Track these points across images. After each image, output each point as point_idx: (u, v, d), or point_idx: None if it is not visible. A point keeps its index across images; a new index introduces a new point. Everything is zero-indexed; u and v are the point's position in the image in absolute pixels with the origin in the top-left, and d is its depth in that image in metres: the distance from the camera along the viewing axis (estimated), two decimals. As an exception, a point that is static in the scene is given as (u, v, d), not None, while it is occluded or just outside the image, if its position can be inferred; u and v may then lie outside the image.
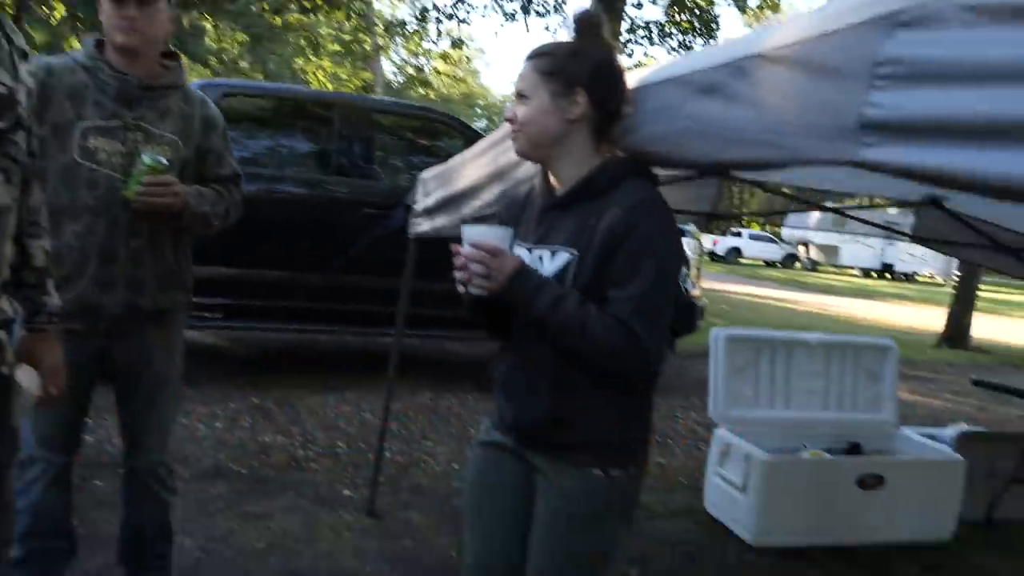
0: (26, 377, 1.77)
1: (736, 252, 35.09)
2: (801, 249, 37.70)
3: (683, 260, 1.84)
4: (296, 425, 4.96)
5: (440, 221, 3.12)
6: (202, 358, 6.39)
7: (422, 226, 3.38)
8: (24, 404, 1.76)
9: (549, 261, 1.79)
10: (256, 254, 5.49)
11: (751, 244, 36.44)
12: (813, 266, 37.19)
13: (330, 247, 5.57)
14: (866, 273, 36.96)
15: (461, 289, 1.77)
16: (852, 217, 4.65)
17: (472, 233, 1.76)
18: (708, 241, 32.39)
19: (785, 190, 4.30)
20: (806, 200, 4.40)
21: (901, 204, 4.50)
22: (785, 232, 38.20)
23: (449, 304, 5.86)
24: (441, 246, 6.50)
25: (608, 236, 1.70)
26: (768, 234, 39.57)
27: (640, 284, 1.68)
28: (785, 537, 3.90)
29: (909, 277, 37.15)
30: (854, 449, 4.32)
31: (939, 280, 36.88)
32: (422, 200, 3.40)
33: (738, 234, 37.38)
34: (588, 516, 1.83)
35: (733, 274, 26.40)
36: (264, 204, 5.48)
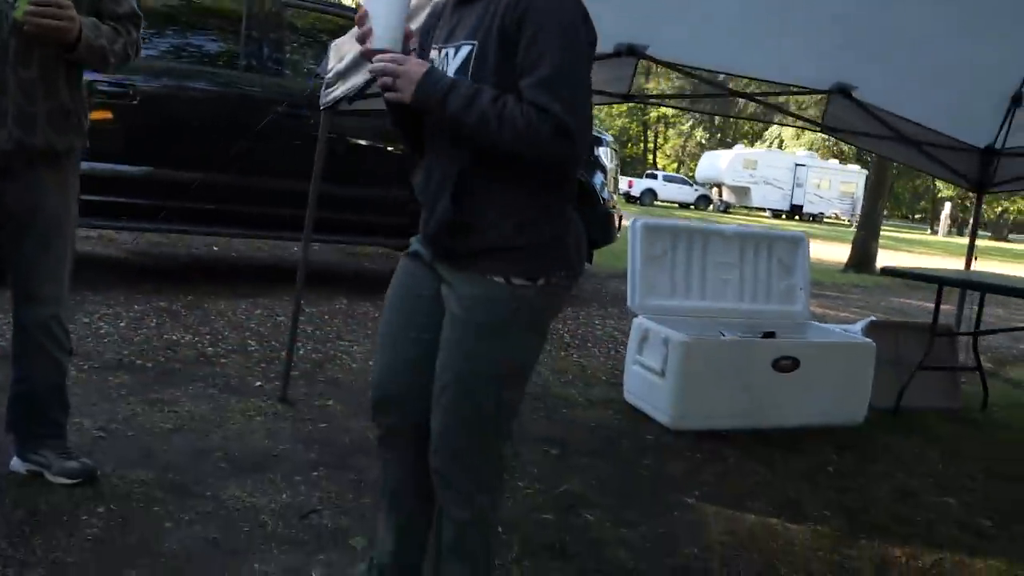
0: None
1: (651, 194, 35.49)
2: (714, 191, 38.38)
3: (590, 50, 1.73)
4: (205, 325, 4.76)
5: (356, 79, 2.97)
6: (103, 268, 6.11)
7: (336, 91, 3.21)
8: None
9: (453, 57, 1.73)
10: (162, 153, 5.25)
11: (666, 186, 36.92)
12: (726, 208, 37.89)
13: (240, 147, 5.34)
14: (776, 214, 37.86)
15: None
16: (765, 103, 4.67)
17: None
18: (624, 183, 32.68)
19: (691, 69, 4.26)
20: (721, 85, 4.39)
21: (812, 91, 4.54)
22: (699, 175, 38.91)
23: (363, 210, 5.79)
24: (353, 151, 6.27)
25: (506, 15, 1.63)
26: (682, 176, 40.18)
27: (549, 64, 1.60)
28: (703, 421, 3.93)
29: (816, 218, 38.23)
30: (769, 337, 4.38)
31: (844, 221, 38.11)
32: (335, 65, 3.23)
33: (653, 176, 37.86)
34: (491, 325, 1.76)
35: (648, 215, 26.65)
36: (173, 101, 5.26)
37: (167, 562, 2.24)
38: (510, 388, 1.83)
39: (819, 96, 4.71)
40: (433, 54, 1.80)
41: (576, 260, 1.84)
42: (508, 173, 1.69)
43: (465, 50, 1.70)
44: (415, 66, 1.65)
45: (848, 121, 4.61)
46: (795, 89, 4.54)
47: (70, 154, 2.47)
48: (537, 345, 1.86)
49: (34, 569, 2.11)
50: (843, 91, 4.43)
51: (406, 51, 1.72)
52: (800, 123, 4.91)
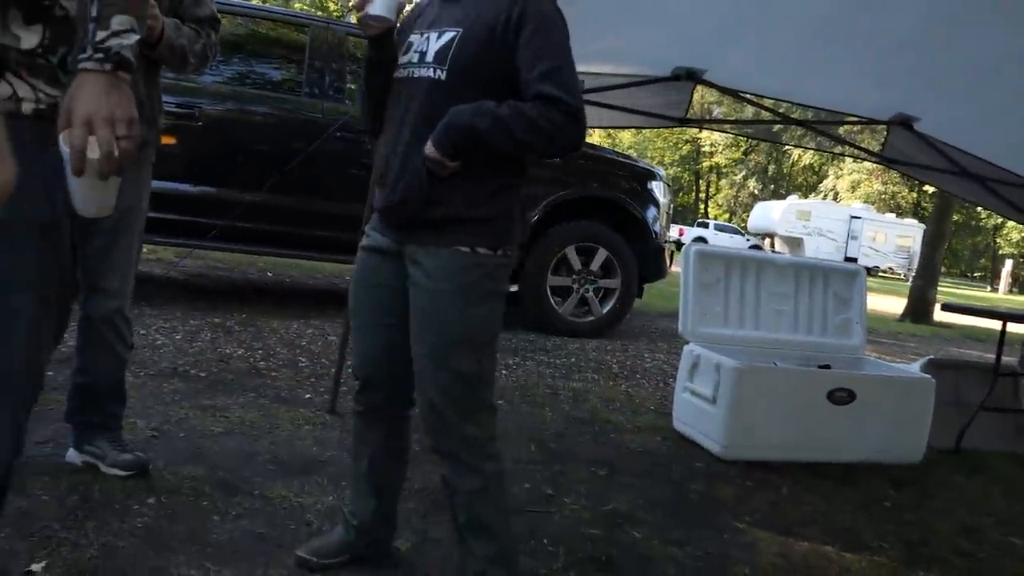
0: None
1: (702, 243, 35.31)
2: (766, 242, 38.03)
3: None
4: (258, 341, 4.82)
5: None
6: (162, 285, 6.24)
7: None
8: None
9: (435, 40, 1.87)
10: (224, 174, 5.39)
11: (717, 235, 36.68)
12: (778, 259, 37.43)
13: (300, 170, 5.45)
14: (829, 267, 37.27)
15: None
16: (820, 132, 4.63)
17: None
18: (674, 231, 32.59)
19: (750, 96, 4.24)
20: (776, 112, 4.36)
21: (872, 122, 4.48)
22: (751, 225, 38.62)
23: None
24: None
25: (499, 12, 1.82)
26: (734, 226, 39.94)
27: (550, 58, 1.81)
28: (754, 450, 3.85)
29: (871, 272, 37.58)
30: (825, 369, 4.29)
31: (900, 275, 37.43)
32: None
33: (704, 225, 37.69)
34: (459, 292, 1.86)
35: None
36: (236, 125, 5.41)
37: (214, 551, 2.25)
38: (481, 355, 1.91)
39: (877, 129, 4.65)
40: (414, 37, 1.94)
41: (519, 236, 2.01)
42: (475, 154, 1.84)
43: (448, 35, 1.86)
44: (432, 157, 1.83)
45: (909, 154, 4.54)
46: (854, 119, 4.50)
47: (144, 149, 2.53)
48: (500, 314, 1.96)
49: (85, 550, 2.13)
50: (904, 123, 4.38)
51: (398, 21, 1.89)
52: (856, 152, 4.85)
